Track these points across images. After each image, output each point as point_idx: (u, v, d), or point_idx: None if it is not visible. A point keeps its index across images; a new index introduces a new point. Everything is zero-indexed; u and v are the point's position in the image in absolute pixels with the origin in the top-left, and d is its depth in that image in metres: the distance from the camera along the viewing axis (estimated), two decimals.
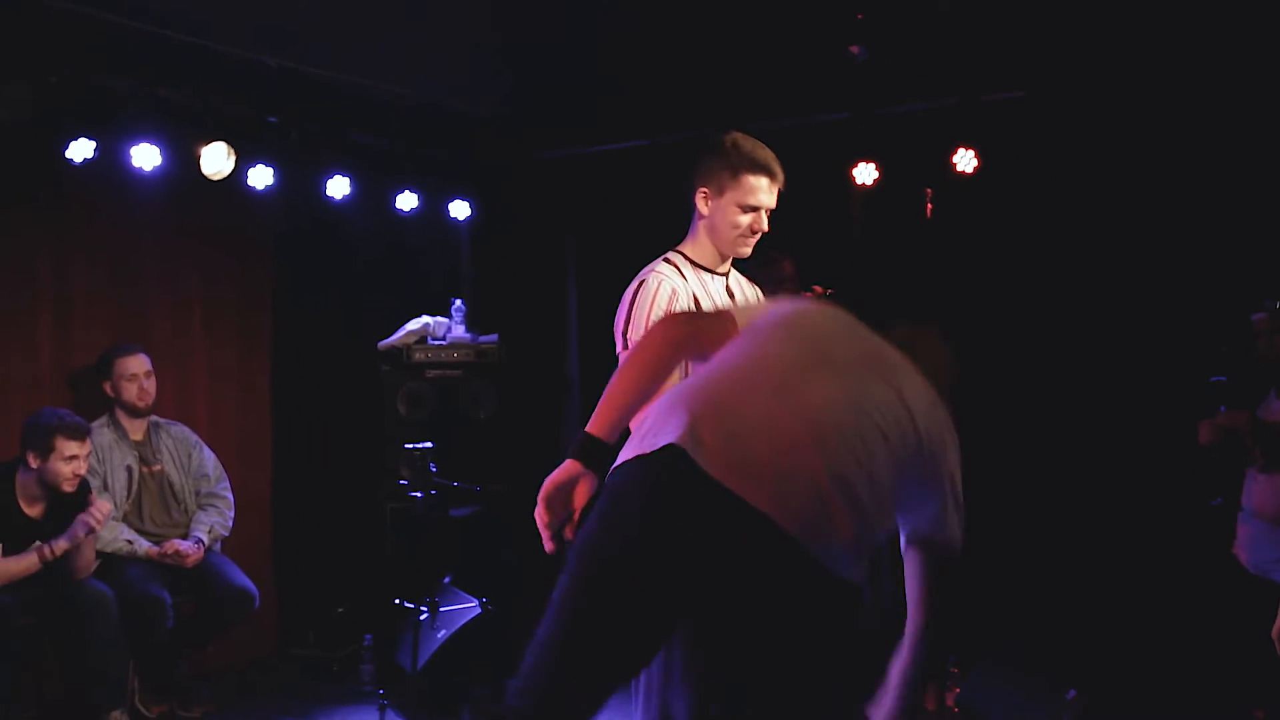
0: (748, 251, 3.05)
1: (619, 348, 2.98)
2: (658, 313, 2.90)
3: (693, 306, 2.96)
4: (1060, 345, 5.23)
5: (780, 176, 2.99)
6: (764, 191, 2.96)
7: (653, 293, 2.93)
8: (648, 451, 2.13)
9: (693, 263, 3.06)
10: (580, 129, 6.07)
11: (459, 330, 5.94)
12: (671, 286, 2.96)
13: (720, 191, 2.98)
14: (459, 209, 6.17)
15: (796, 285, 5.10)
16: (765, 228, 3.01)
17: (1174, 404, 4.73)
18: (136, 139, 4.71)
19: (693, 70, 5.20)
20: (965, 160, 5.08)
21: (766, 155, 2.98)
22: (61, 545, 4.22)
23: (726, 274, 3.12)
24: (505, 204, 6.34)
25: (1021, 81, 5.00)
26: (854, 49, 4.66)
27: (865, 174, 5.28)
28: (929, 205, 5.17)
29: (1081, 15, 4.51)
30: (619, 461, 2.25)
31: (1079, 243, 5.19)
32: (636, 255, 4.55)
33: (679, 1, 4.52)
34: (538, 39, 5.00)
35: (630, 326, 2.94)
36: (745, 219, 2.98)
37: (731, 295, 3.09)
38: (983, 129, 5.07)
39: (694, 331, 2.46)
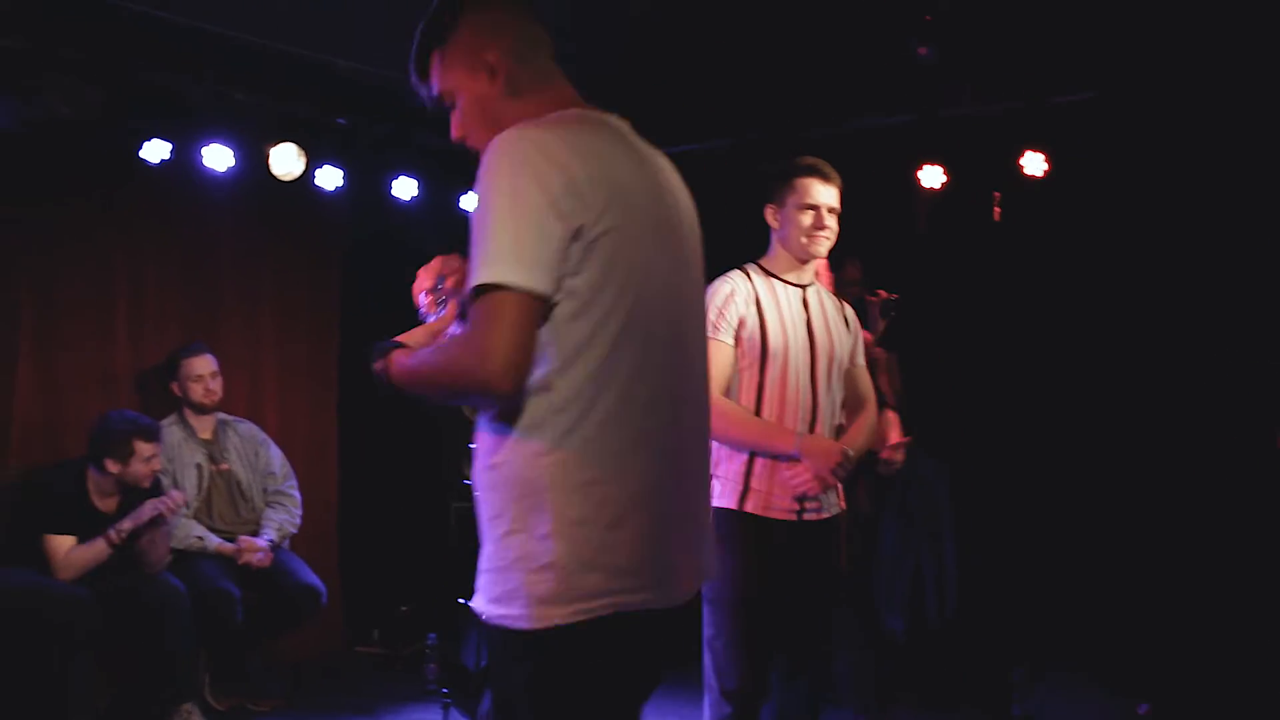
0: (820, 250, 3.25)
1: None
2: (713, 309, 3.14)
3: (753, 308, 3.17)
4: (1132, 351, 5.15)
5: (834, 177, 3.24)
6: (819, 189, 3.22)
7: (713, 291, 3.18)
8: None
9: (766, 271, 3.28)
10: (642, 133, 6.06)
11: None
12: (731, 287, 3.20)
13: (782, 201, 3.25)
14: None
15: (862, 288, 5.08)
16: (828, 224, 3.22)
17: (1250, 410, 4.64)
18: (209, 140, 4.80)
19: (758, 73, 5.18)
20: (1034, 163, 5.01)
21: (816, 160, 3.26)
22: (126, 526, 4.29)
23: (805, 285, 3.28)
24: None
25: (1091, 82, 4.92)
26: (921, 50, 4.62)
27: (932, 177, 5.23)
28: (997, 209, 5.11)
29: (1152, 14, 4.43)
30: None
31: (1151, 247, 5.10)
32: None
33: (746, 3, 4.51)
34: (603, 42, 5.01)
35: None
36: (807, 218, 3.22)
37: (806, 306, 3.24)
38: (1052, 131, 5.01)
39: None
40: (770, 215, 3.27)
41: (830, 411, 3.23)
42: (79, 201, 4.98)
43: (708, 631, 3.13)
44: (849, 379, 3.33)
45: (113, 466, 4.35)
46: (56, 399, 4.94)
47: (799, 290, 3.27)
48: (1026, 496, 5.14)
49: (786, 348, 3.15)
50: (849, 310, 3.40)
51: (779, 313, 3.19)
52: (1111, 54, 4.78)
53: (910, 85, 5.04)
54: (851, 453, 3.13)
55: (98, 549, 4.28)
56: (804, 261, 3.26)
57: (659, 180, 1.94)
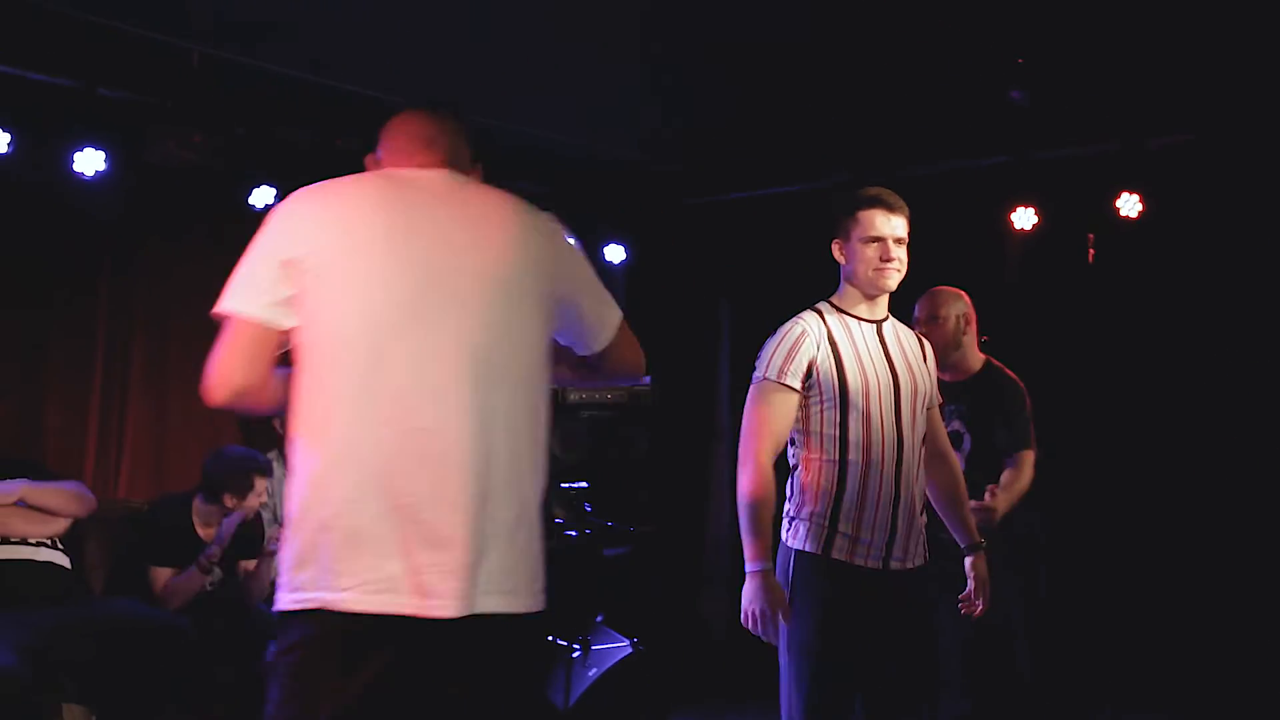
0: (889, 283, 3.11)
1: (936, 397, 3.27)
2: (782, 351, 3.05)
3: (827, 346, 3.05)
4: (1231, 398, 5.04)
5: (900, 206, 3.12)
6: (883, 221, 3.09)
7: (783, 333, 3.11)
8: None
9: (838, 309, 3.16)
10: (736, 174, 6.13)
11: None
12: (803, 328, 3.09)
13: (847, 236, 3.14)
14: (614, 253, 6.29)
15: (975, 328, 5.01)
16: (895, 256, 3.08)
17: None
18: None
19: (850, 114, 5.21)
20: (1129, 205, 4.95)
21: (880, 190, 3.14)
22: (215, 551, 4.41)
23: (880, 321, 3.16)
24: (660, 248, 6.44)
25: (1188, 124, 4.86)
26: (1014, 93, 4.62)
27: (1024, 219, 5.19)
28: (1091, 251, 5.06)
29: (1251, 54, 4.37)
30: None
31: (1250, 292, 5.00)
32: (789, 299, 4.58)
33: (838, 45, 4.55)
34: (694, 85, 5.09)
35: (759, 363, 3.10)
36: (872, 250, 3.09)
37: (883, 341, 3.12)
38: (1148, 172, 4.94)
39: None
40: (837, 251, 3.16)
41: (915, 454, 3.07)
42: (190, 244, 5.19)
43: (781, 681, 3.04)
44: (930, 418, 3.20)
45: (230, 501, 4.47)
46: (164, 434, 5.13)
47: (873, 326, 3.14)
48: (1124, 542, 5.05)
49: (868, 387, 3.03)
50: (927, 346, 3.26)
51: (855, 350, 3.07)
52: (1209, 95, 4.72)
53: (1003, 126, 5.02)
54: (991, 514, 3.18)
55: (192, 577, 4.42)
56: (873, 296, 3.14)
57: (419, 214, 2.11)
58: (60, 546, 4.18)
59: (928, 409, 3.17)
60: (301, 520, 1.98)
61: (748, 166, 6.02)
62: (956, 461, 3.30)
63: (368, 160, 2.32)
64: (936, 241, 3.28)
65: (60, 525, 4.17)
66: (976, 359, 4.11)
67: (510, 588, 2.04)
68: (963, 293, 4.13)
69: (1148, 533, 5.07)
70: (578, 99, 5.12)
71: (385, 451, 1.96)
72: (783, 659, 3.04)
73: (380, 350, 1.98)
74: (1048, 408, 5.12)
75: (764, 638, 2.96)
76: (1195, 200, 4.99)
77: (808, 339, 3.06)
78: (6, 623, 3.74)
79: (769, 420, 3.05)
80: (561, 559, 5.31)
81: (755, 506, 2.98)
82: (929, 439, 3.19)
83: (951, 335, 4.06)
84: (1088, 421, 5.20)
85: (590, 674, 4.79)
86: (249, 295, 2.09)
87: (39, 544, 4.10)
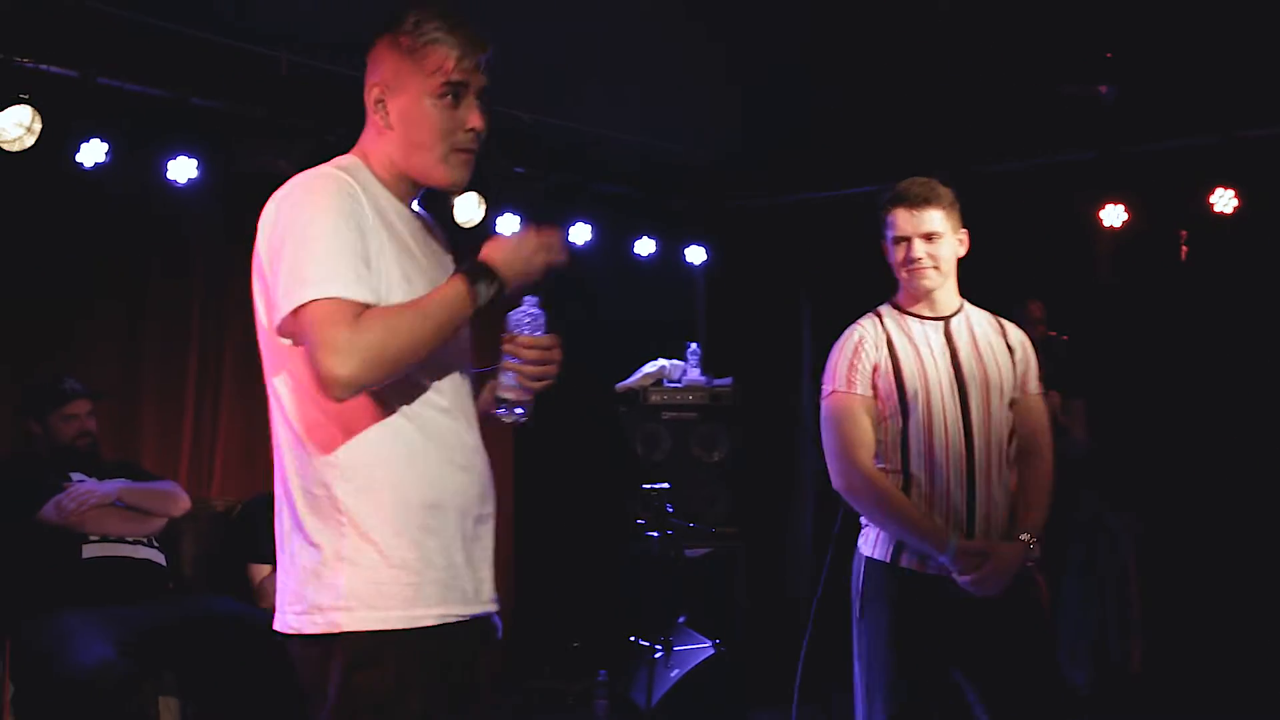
0: (923, 283, 2.97)
1: (1033, 390, 3.02)
2: (844, 360, 2.97)
3: (884, 350, 2.96)
4: None
5: (924, 198, 2.94)
6: (904, 220, 2.95)
7: (843, 341, 3.02)
8: None
9: (902, 310, 3.05)
10: (815, 174, 6.10)
11: (694, 373, 6.04)
12: (860, 334, 3.01)
13: (884, 236, 3.03)
14: (695, 254, 6.29)
15: (1045, 328, 4.96)
16: (917, 255, 2.94)
17: None
18: None
19: (935, 111, 5.16)
20: (1224, 200, 4.83)
21: (905, 184, 2.98)
22: None
23: (948, 316, 3.01)
24: (740, 249, 6.43)
25: None
26: (1102, 88, 4.53)
27: (1113, 216, 5.08)
28: (1184, 248, 4.94)
29: None
30: None
31: None
32: (870, 299, 4.53)
33: (921, 41, 4.51)
34: (776, 85, 5.07)
35: (825, 378, 3.03)
36: (900, 252, 2.98)
37: (949, 338, 2.97)
38: (1243, 167, 4.81)
39: None
40: (886, 252, 3.04)
41: (990, 453, 2.89)
42: None
43: (855, 689, 2.97)
44: (1019, 411, 2.97)
45: None
46: (255, 435, 5.24)
47: (939, 323, 2.98)
48: (1216, 546, 4.93)
49: (928, 389, 2.90)
50: (1016, 335, 3.04)
51: (915, 351, 2.94)
52: None
53: (1091, 121, 4.93)
54: (1033, 544, 2.83)
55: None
56: (919, 297, 3.00)
57: None
58: (156, 544, 4.29)
59: (1014, 401, 2.95)
60: None
61: (829, 166, 5.99)
62: (1042, 462, 2.99)
63: None
64: (1024, 239, 3.21)
65: (156, 524, 4.28)
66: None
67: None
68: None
69: (1245, 533, 4.94)
70: (659, 101, 5.13)
71: None
72: (855, 666, 2.97)
73: None
74: (1142, 410, 5.02)
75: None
76: None
77: (866, 343, 2.98)
78: (105, 618, 3.85)
79: (851, 432, 2.95)
80: (643, 560, 5.33)
81: (890, 508, 2.88)
82: (1019, 433, 2.97)
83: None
84: (1183, 423, 5.08)
85: (672, 675, 4.79)
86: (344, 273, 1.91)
87: (136, 542, 4.21)
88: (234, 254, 5.19)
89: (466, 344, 2.10)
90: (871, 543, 2.96)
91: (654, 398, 5.91)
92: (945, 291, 3.00)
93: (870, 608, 2.94)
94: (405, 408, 1.92)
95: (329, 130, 4.85)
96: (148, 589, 4.15)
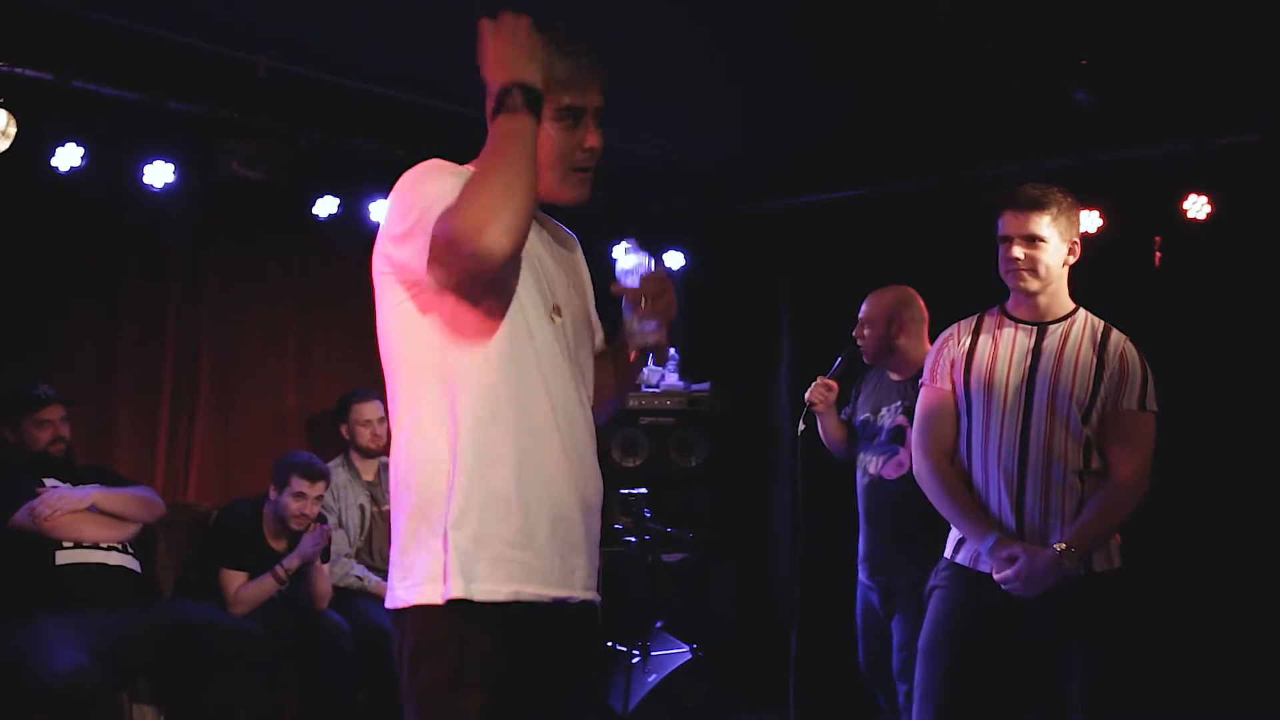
0: (1022, 285, 3.01)
1: (1126, 406, 3.00)
2: (932, 354, 3.15)
3: (963, 350, 3.07)
4: None
5: (1029, 203, 2.99)
6: (1009, 221, 3.01)
7: (940, 336, 3.15)
8: None
9: (1005, 312, 3.11)
10: (796, 179, 6.12)
11: (672, 378, 6.05)
12: (951, 331, 3.15)
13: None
14: (672, 259, 6.30)
15: None
16: (1015, 255, 2.99)
17: None
18: (376, 196, 5.04)
19: (911, 118, 5.18)
20: (1197, 207, 4.86)
21: (1020, 187, 3.05)
22: (294, 562, 4.48)
23: (1049, 322, 3.03)
24: (719, 254, 6.44)
25: (1257, 122, 4.77)
26: (1078, 95, 4.56)
27: (1088, 221, 5.12)
28: (1158, 254, 4.97)
29: None
30: None
31: None
32: (850, 306, 4.55)
33: (898, 49, 4.53)
34: (754, 90, 5.09)
35: (1150, 393, 3.01)
36: (1002, 251, 3.04)
37: (1039, 345, 3.00)
38: (1216, 173, 4.85)
39: None
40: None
41: (1046, 460, 2.91)
42: (256, 253, 5.29)
43: (915, 682, 3.01)
44: (1108, 425, 2.94)
45: (272, 493, 4.56)
46: (232, 439, 5.23)
47: (1033, 328, 3.01)
48: (1191, 550, 4.96)
49: (990, 390, 2.95)
50: (1116, 349, 2.98)
51: (994, 353, 3.00)
52: (1279, 92, 4.63)
53: (1066, 128, 4.96)
54: (1068, 555, 2.83)
55: (266, 585, 4.48)
56: (1020, 300, 3.04)
57: None
58: (131, 550, 4.27)
59: (1115, 413, 2.93)
60: None
61: (807, 171, 6.00)
62: (1113, 478, 2.94)
63: None
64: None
65: (131, 530, 4.26)
66: (921, 355, 3.89)
67: None
68: (905, 292, 4.06)
69: (1220, 536, 4.98)
70: (639, 105, 5.13)
71: None
72: (918, 658, 3.02)
73: None
74: None
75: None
76: (1265, 201, 4.89)
77: (951, 341, 3.11)
78: (78, 624, 3.83)
79: (927, 421, 3.07)
80: (621, 565, 5.33)
81: (944, 499, 3.00)
82: (1104, 446, 2.95)
83: (881, 339, 4.01)
84: (1158, 426, 5.11)
85: (650, 680, 4.80)
86: None
87: (110, 548, 4.19)
88: (210, 258, 5.18)
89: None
90: (949, 540, 3.06)
91: (632, 403, 5.92)
92: (1049, 297, 3.03)
93: (933, 600, 3.04)
94: (511, 393, 1.97)
95: (306, 134, 4.85)
96: (122, 595, 4.13)
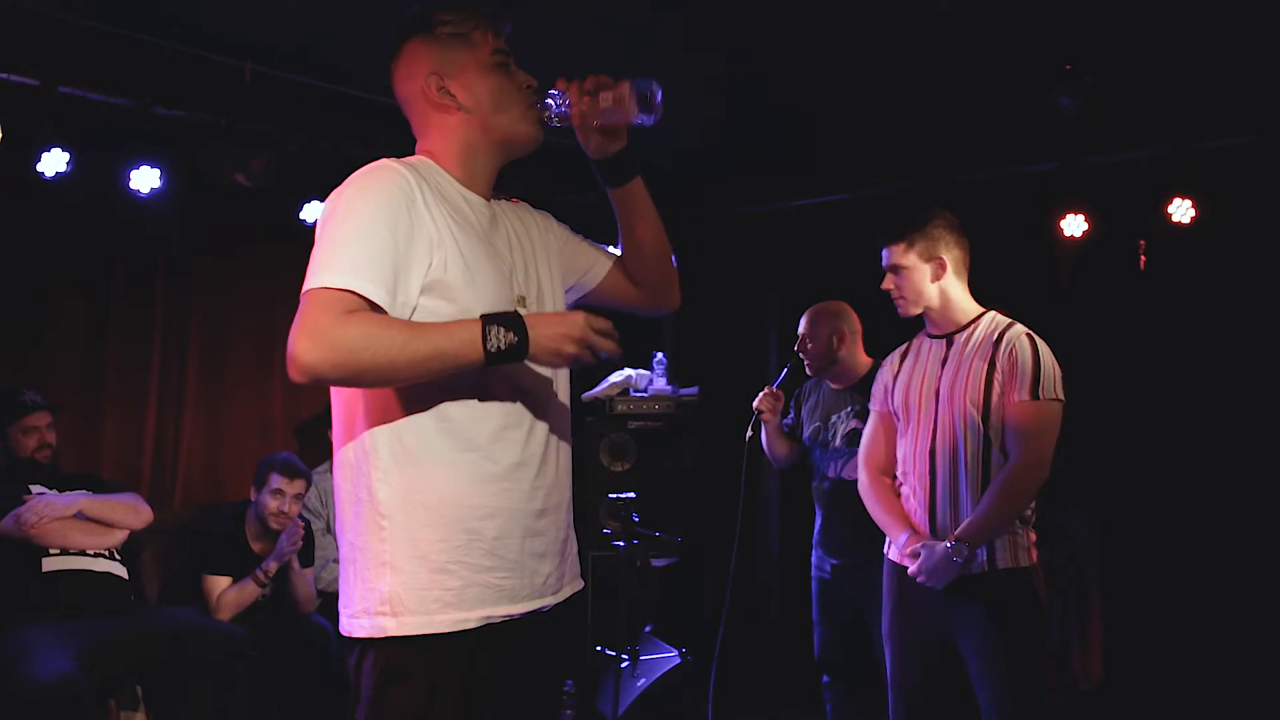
0: (901, 310, 3.28)
1: (1017, 398, 3.01)
2: (874, 386, 3.36)
3: (894, 368, 3.34)
4: None
5: (888, 235, 3.25)
6: (884, 254, 3.29)
7: (1048, 352, 3.08)
8: None
9: (927, 332, 3.32)
10: (783, 183, 6.13)
11: (660, 383, 6.06)
12: (885, 362, 3.38)
13: None
14: None
15: None
16: (887, 288, 3.26)
17: None
18: None
19: (898, 123, 5.20)
20: (1181, 211, 4.90)
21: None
22: (271, 565, 4.47)
23: (952, 332, 3.25)
24: (707, 258, 6.44)
25: (1240, 127, 4.80)
26: (1062, 100, 4.59)
27: (1074, 225, 5.15)
28: (1142, 257, 5.00)
29: None
30: None
31: None
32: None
33: (886, 53, 4.55)
34: (744, 94, 5.10)
35: (1044, 383, 3.01)
36: None
37: (946, 354, 3.23)
38: (1200, 178, 4.89)
39: None
40: None
41: (949, 459, 3.06)
42: (243, 258, 5.28)
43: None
44: (1007, 418, 3.02)
45: (252, 493, 4.56)
46: (218, 445, 5.22)
47: (944, 340, 3.21)
48: (1179, 549, 4.99)
49: (909, 403, 3.19)
50: (1007, 344, 3.07)
51: (913, 368, 3.23)
52: (1261, 98, 4.66)
53: (1051, 132, 4.99)
54: (963, 550, 2.98)
55: (248, 589, 4.47)
56: (923, 316, 3.25)
57: None
58: (118, 557, 4.26)
59: (1008, 407, 3.01)
60: None
61: (796, 176, 6.02)
62: (1005, 470, 3.02)
63: None
64: (986, 249, 3.27)
65: (117, 537, 4.24)
66: (862, 364, 4.16)
67: None
68: (841, 307, 4.23)
69: (1205, 536, 5.00)
70: None
71: None
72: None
73: None
74: (1100, 416, 5.07)
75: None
76: (1248, 205, 4.93)
77: (886, 366, 3.35)
78: (64, 632, 3.81)
79: (866, 441, 3.36)
80: (610, 569, 5.33)
81: (873, 508, 3.28)
82: (999, 446, 3.04)
83: (824, 352, 4.18)
84: (1140, 429, 5.14)
85: (639, 684, 4.79)
86: (359, 267, 1.89)
87: (96, 555, 4.17)
88: (197, 263, 5.17)
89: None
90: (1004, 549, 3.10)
91: (620, 407, 5.92)
92: (942, 311, 3.21)
93: (881, 588, 3.26)
94: (451, 410, 1.91)
95: (292, 140, 4.84)
96: (108, 602, 4.11)
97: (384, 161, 1.97)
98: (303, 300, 1.81)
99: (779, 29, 4.37)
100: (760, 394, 4.32)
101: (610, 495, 5.11)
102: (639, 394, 5.98)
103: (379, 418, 1.90)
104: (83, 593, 4.07)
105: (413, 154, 2.09)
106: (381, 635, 1.88)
